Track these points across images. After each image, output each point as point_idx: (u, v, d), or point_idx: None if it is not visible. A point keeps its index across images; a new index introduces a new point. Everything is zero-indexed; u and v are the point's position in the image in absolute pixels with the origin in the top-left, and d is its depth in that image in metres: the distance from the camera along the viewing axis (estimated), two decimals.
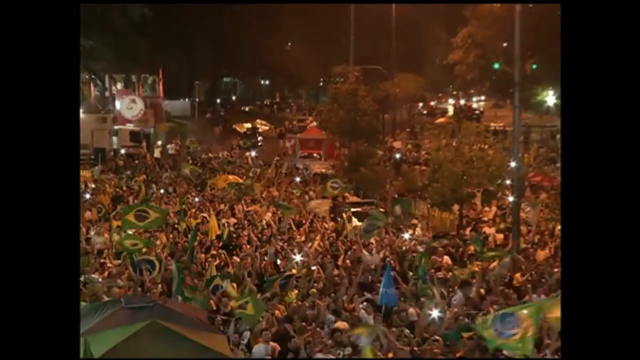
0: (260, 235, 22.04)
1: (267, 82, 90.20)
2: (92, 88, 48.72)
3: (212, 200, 27.64)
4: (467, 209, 28.04)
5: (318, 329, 13.70)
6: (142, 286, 16.69)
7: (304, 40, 69.55)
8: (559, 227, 24.91)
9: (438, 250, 21.20)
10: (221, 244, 21.04)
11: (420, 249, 21.05)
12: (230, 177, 30.40)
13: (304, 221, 24.24)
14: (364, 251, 20.06)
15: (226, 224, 22.52)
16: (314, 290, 16.27)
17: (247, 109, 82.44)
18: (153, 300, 11.86)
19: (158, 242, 20.53)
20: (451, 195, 27.00)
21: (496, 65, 57.34)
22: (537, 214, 23.15)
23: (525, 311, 12.71)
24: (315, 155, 45.66)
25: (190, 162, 42.13)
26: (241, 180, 30.00)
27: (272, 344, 13.06)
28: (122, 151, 47.41)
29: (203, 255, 19.70)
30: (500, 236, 24.49)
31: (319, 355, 12.54)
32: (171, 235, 21.58)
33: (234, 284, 16.25)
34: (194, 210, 25.36)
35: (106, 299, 14.10)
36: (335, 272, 18.18)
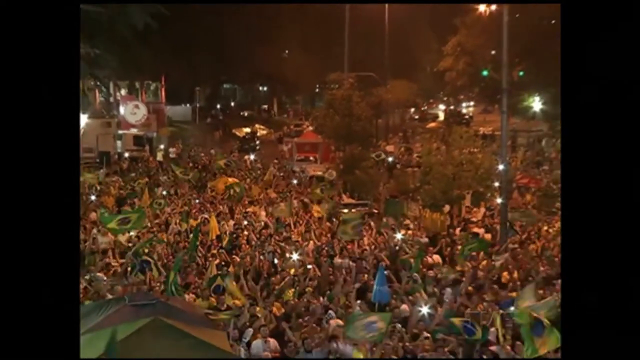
0: (258, 235, 22.06)
1: (265, 89, 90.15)
2: (97, 94, 48.65)
3: (212, 201, 27.61)
4: (456, 209, 28.10)
5: (314, 324, 13.72)
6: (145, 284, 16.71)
7: (300, 48, 69.56)
8: (545, 227, 25.01)
9: (429, 249, 21.28)
10: (221, 244, 21.04)
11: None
12: (230, 179, 30.38)
13: (300, 222, 24.27)
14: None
15: (227, 232, 22.49)
16: (310, 288, 16.29)
17: (246, 114, 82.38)
18: (156, 297, 11.85)
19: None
20: (442, 196, 27.06)
21: (485, 73, 57.50)
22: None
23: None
24: (311, 158, 45.63)
25: (191, 165, 42.15)
26: (240, 183, 30.00)
27: (269, 339, 13.09)
28: (126, 155, 47.38)
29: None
30: (489, 235, 24.55)
31: (317, 350, 12.56)
32: (171, 237, 21.56)
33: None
34: (194, 211, 25.33)
35: (110, 296, 14.09)
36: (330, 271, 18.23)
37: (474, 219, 27.62)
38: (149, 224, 22.70)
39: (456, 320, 13.37)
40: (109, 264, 18.47)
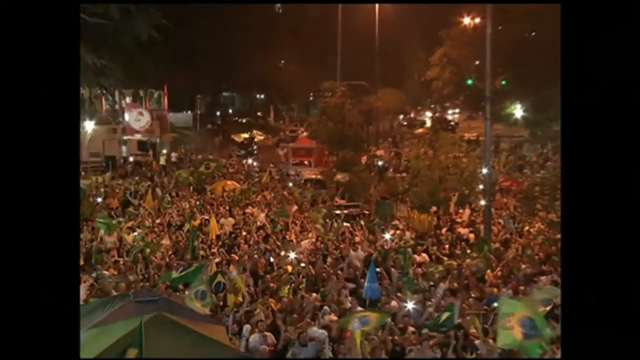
0: (256, 236, 22.06)
1: (262, 96, 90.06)
2: (104, 102, 48.62)
3: (212, 203, 27.60)
4: (442, 210, 28.14)
5: (309, 320, 13.72)
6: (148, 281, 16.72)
7: (295, 58, 69.49)
8: (526, 227, 25.06)
9: (416, 248, 21.31)
10: (220, 243, 21.05)
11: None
12: (229, 182, 30.36)
13: (295, 222, 24.29)
14: (351, 250, 20.14)
15: (227, 232, 22.55)
16: (302, 285, 16.34)
17: (244, 120, 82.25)
18: (159, 294, 11.85)
19: (163, 242, 20.52)
20: (429, 198, 27.14)
21: (469, 82, 57.47)
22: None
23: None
24: (306, 162, 45.62)
25: (192, 169, 42.08)
26: (239, 186, 30.00)
27: (266, 333, 13.09)
28: (131, 159, 47.36)
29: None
30: (472, 235, 24.61)
31: (311, 344, 12.56)
32: (174, 236, 21.56)
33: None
34: (195, 212, 25.32)
35: (114, 293, 14.07)
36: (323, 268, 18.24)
37: (459, 220, 27.68)
38: (150, 224, 22.76)
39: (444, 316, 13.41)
40: (117, 261, 18.46)
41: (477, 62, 52.29)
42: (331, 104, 38.28)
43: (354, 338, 11.83)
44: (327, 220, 24.57)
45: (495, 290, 16.79)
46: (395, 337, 12.96)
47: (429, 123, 79.93)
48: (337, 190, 33.86)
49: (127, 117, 48.86)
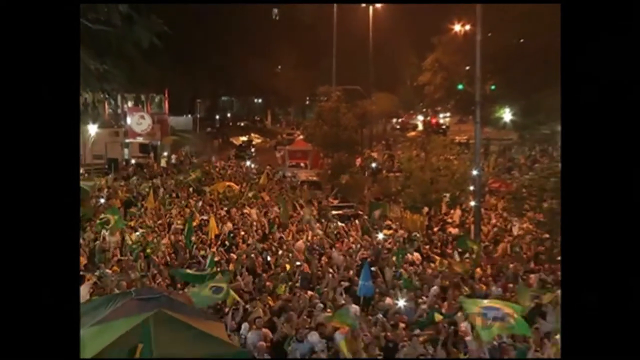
0: (254, 235, 22.06)
1: (259, 101, 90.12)
2: (107, 106, 48.58)
3: (211, 204, 27.58)
4: (434, 211, 28.17)
5: (305, 317, 13.73)
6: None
7: (292, 64, 69.59)
8: (514, 228, 25.09)
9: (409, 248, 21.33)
10: (219, 242, 21.05)
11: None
12: (228, 183, 30.34)
13: (292, 223, 24.29)
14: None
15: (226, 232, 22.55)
16: (297, 283, 16.38)
17: (242, 124, 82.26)
18: (160, 292, 11.84)
19: (163, 242, 20.52)
20: (421, 199, 27.17)
21: (460, 86, 57.73)
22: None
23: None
24: (302, 164, 45.61)
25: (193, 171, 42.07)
26: (238, 187, 30.00)
27: (264, 330, 13.11)
28: (133, 161, 47.36)
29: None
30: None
31: (307, 340, 12.57)
32: (173, 237, 21.55)
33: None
34: (194, 213, 25.31)
35: (116, 291, 14.06)
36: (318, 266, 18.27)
37: (450, 220, 27.72)
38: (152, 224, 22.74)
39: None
40: (120, 260, 18.45)
41: (467, 68, 52.55)
42: (326, 108, 38.31)
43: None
44: (323, 221, 24.63)
45: (484, 287, 16.83)
46: (388, 334, 12.99)
47: (420, 126, 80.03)
48: (331, 191, 33.89)
49: (129, 120, 48.87)
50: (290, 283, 16.20)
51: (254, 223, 23.89)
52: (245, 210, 26.20)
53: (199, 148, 56.61)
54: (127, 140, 48.99)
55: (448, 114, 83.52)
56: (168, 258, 18.97)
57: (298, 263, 18.11)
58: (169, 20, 13.56)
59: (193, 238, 20.66)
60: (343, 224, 24.95)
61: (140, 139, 49.19)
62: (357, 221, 25.54)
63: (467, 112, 61.44)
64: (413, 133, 73.72)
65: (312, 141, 41.77)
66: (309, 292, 15.76)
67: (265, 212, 26.48)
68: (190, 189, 31.93)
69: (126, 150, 49.14)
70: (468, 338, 13.00)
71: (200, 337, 10.01)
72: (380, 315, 13.88)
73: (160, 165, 45.99)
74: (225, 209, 26.39)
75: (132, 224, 22.46)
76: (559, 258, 19.31)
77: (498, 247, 22.38)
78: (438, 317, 13.73)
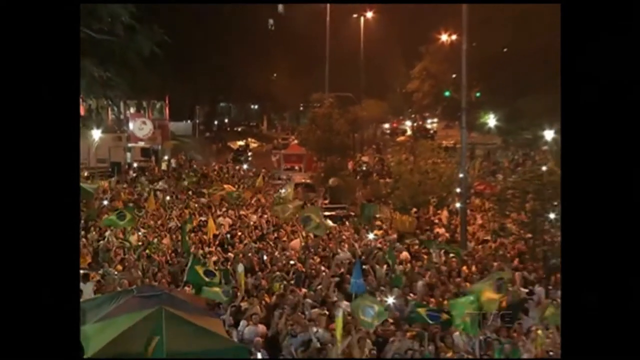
0: (251, 235, 22.04)
1: (256, 107, 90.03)
2: (110, 112, 48.52)
3: (210, 206, 27.55)
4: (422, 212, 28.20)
5: (299, 313, 13.73)
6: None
7: (287, 71, 69.53)
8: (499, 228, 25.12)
9: (398, 247, 21.36)
10: (218, 242, 21.03)
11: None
12: (226, 186, 30.32)
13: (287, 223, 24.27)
14: (339, 249, 20.16)
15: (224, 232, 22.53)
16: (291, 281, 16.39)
17: (239, 129, 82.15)
18: (161, 289, 11.83)
19: (164, 241, 20.50)
20: (410, 201, 27.21)
21: (447, 93, 57.79)
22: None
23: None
24: (296, 168, 45.64)
25: (192, 174, 42.00)
26: (235, 189, 29.96)
27: (260, 325, 13.13)
28: (135, 165, 47.33)
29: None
30: (448, 235, 24.71)
31: (301, 335, 12.58)
32: (174, 236, 21.52)
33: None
34: (195, 214, 25.28)
35: (119, 289, 14.03)
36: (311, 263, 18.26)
37: (437, 221, 27.76)
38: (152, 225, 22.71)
39: (422, 310, 13.42)
40: (123, 259, 18.41)
41: (453, 76, 52.54)
42: (320, 114, 38.32)
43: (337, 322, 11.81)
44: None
45: (468, 285, 16.84)
46: (379, 329, 13.00)
47: (409, 131, 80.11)
48: (325, 193, 33.91)
49: (131, 126, 48.84)
50: (284, 282, 16.18)
51: (251, 223, 23.87)
52: (241, 212, 26.18)
53: (198, 152, 56.56)
54: (129, 145, 48.93)
55: (435, 120, 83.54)
56: (168, 257, 18.94)
57: (292, 262, 18.11)
58: (170, 31, 13.59)
59: (192, 239, 20.60)
60: (335, 224, 24.96)
61: (142, 144, 49.16)
62: (347, 222, 25.58)
63: (453, 117, 61.31)
64: (402, 138, 73.87)
65: (306, 145, 41.76)
66: (303, 290, 15.78)
67: (262, 213, 26.47)
68: (190, 192, 31.89)
69: (128, 154, 49.09)
70: (456, 333, 13.01)
71: (199, 332, 10.01)
72: None
73: (161, 169, 45.94)
74: (224, 209, 26.37)
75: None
76: (541, 257, 19.41)
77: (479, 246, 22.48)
78: (422, 310, 13.65)
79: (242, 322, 13.24)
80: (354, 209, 29.80)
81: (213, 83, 65.67)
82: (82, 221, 21.95)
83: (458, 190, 26.73)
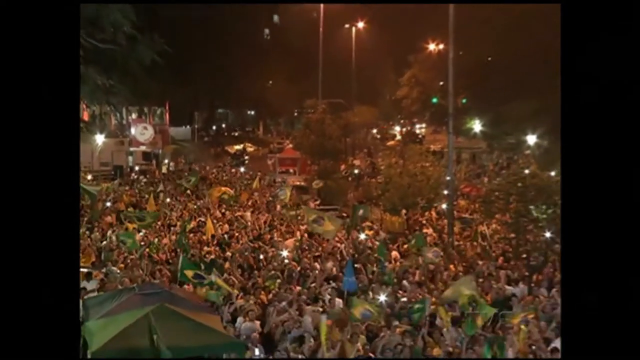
0: (248, 235, 22.03)
1: (252, 113, 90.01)
2: (112, 118, 48.45)
3: (208, 207, 27.49)
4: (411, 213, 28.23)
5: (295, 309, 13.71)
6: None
7: (282, 79, 69.55)
8: (482, 228, 25.15)
9: (389, 246, 21.37)
10: (216, 241, 21.01)
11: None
12: (223, 188, 30.28)
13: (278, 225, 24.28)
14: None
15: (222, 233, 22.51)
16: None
17: (236, 134, 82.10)
18: (161, 287, 11.83)
19: (164, 241, 20.47)
20: (399, 202, 27.22)
21: (434, 100, 58.03)
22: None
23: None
24: (291, 171, 45.66)
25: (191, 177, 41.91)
26: (232, 192, 29.94)
27: (256, 322, 13.13)
28: (136, 168, 47.30)
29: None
30: (435, 235, 24.72)
31: (295, 330, 12.58)
32: (174, 237, 21.48)
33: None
34: (194, 215, 25.24)
35: (120, 287, 14.01)
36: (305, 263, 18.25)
37: (425, 221, 27.79)
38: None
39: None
40: (126, 257, 18.38)
41: (441, 83, 52.76)
42: (313, 119, 38.33)
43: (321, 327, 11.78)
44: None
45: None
46: (370, 324, 13.03)
47: (398, 136, 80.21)
48: (318, 195, 33.95)
49: (133, 131, 48.89)
50: (279, 280, 16.17)
51: (248, 224, 23.85)
52: (238, 213, 26.16)
53: (197, 156, 56.51)
54: (131, 149, 48.94)
55: (424, 125, 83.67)
56: (168, 256, 18.93)
57: (287, 260, 18.11)
58: (170, 40, 13.60)
59: (192, 239, 20.57)
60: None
61: (143, 148, 49.24)
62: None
63: (441, 123, 61.55)
64: (392, 142, 73.92)
65: (300, 149, 41.77)
66: (297, 288, 15.77)
67: (258, 213, 26.45)
68: (189, 192, 31.84)
69: (130, 158, 49.09)
70: (445, 329, 13.03)
71: (198, 328, 10.02)
72: None
73: (161, 172, 45.90)
74: (223, 210, 26.36)
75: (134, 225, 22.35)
76: (524, 256, 19.45)
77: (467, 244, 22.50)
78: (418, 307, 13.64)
79: (239, 319, 13.23)
80: (346, 210, 29.81)
81: (211, 90, 65.70)
82: (86, 222, 21.95)
83: (445, 192, 26.77)
